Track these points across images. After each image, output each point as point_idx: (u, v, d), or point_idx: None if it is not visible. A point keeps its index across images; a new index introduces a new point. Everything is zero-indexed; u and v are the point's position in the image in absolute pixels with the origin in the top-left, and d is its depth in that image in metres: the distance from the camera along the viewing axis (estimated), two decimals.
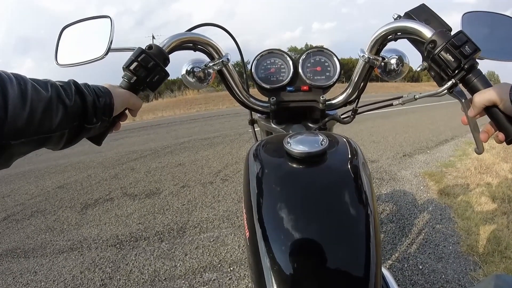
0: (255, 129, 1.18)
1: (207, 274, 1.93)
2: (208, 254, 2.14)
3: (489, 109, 0.58)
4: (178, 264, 2.05)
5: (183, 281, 1.88)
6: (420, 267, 1.85)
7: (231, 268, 1.96)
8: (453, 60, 0.59)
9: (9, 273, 2.17)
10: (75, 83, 0.54)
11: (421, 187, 3.09)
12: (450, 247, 2.04)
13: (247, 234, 0.55)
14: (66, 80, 0.55)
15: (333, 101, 0.95)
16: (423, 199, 2.81)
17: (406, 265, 1.88)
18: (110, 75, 0.70)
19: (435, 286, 1.70)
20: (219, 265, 2.00)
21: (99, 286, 1.91)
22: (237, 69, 0.98)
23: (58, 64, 0.77)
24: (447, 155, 4.21)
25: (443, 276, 1.77)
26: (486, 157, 3.95)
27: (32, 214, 3.17)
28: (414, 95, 0.73)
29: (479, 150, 0.63)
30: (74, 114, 0.52)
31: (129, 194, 3.47)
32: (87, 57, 0.75)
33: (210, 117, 11.01)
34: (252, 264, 0.52)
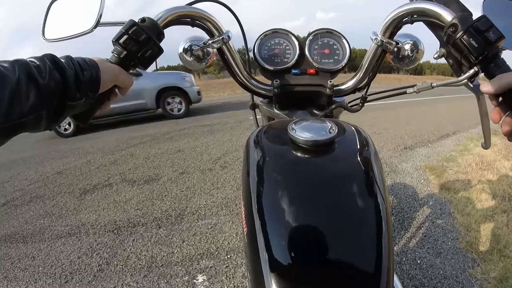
0: (257, 115, 1.13)
1: (204, 261, 1.92)
2: (205, 241, 2.13)
3: (508, 94, 0.53)
4: (176, 251, 2.05)
5: (180, 268, 1.87)
6: (419, 261, 1.84)
7: (229, 256, 1.95)
8: (476, 45, 0.54)
9: (8, 258, 2.17)
10: (52, 57, 0.49)
11: (422, 181, 3.06)
12: (449, 243, 2.03)
13: (245, 228, 0.50)
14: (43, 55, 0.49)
15: (342, 87, 0.89)
16: (424, 193, 2.79)
17: (404, 259, 1.87)
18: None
19: (433, 281, 1.69)
20: (217, 253, 1.99)
21: (96, 271, 1.91)
22: (242, 55, 0.93)
23: (45, 39, 0.73)
24: (449, 150, 4.17)
25: (441, 271, 1.76)
26: (488, 153, 3.92)
27: (31, 199, 3.16)
28: (431, 83, 0.68)
29: (486, 146, 0.61)
30: (51, 92, 0.47)
31: (128, 180, 3.46)
32: (75, 31, 0.72)
33: (210, 104, 10.94)
34: (250, 262, 0.47)
